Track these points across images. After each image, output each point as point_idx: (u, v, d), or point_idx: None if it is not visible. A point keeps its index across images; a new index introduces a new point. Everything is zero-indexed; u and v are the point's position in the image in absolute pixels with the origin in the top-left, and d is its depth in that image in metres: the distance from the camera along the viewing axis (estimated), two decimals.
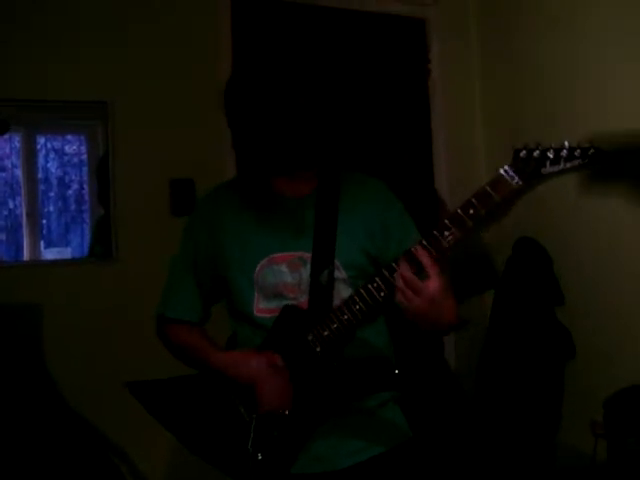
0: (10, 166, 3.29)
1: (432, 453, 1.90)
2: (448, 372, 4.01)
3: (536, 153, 1.47)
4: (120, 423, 3.02)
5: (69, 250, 3.41)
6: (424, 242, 1.56)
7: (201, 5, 3.48)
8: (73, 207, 3.42)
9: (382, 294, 1.63)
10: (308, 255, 1.77)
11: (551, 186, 3.49)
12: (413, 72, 4.11)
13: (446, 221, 1.55)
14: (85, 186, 3.44)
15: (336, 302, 1.74)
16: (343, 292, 1.75)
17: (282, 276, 1.77)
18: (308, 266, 1.76)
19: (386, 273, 1.61)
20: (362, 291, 1.65)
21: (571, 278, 3.48)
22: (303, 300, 1.76)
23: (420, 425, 2.06)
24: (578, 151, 1.45)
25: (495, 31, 4.05)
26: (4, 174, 3.28)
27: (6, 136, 3.19)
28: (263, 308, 1.79)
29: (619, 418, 2.88)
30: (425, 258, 1.52)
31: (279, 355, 1.73)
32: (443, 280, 1.54)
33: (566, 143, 1.46)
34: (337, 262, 1.77)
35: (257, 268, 1.78)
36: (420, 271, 1.54)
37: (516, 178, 1.49)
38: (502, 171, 1.50)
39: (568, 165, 1.46)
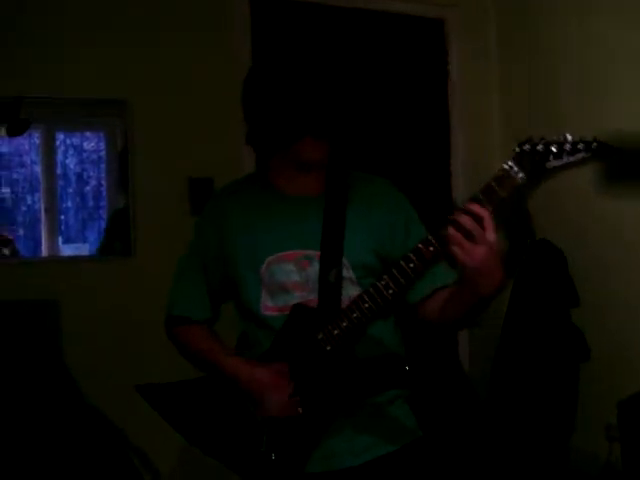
0: (29, 162, 3.33)
1: (442, 453, 1.90)
2: (461, 372, 4.01)
3: (539, 147, 1.47)
4: (136, 418, 3.02)
5: (87, 246, 3.44)
6: (431, 238, 1.56)
7: (220, 5, 3.50)
8: (91, 203, 3.44)
9: (391, 292, 1.62)
10: (315, 253, 1.77)
11: (566, 188, 3.50)
12: (432, 73, 4.11)
13: (451, 218, 1.54)
14: (103, 182, 3.46)
15: (344, 301, 1.74)
16: (351, 291, 1.75)
17: (289, 274, 1.77)
18: (315, 264, 1.76)
19: (394, 270, 1.61)
20: (371, 289, 1.65)
21: (586, 280, 3.47)
22: (310, 298, 1.76)
23: (431, 424, 2.06)
24: (581, 144, 1.44)
25: (514, 31, 4.04)
26: (23, 170, 3.31)
27: (25, 132, 3.22)
28: (270, 306, 1.79)
29: (634, 421, 2.88)
30: (482, 211, 1.50)
31: (286, 364, 1.73)
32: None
33: (569, 137, 1.45)
34: (345, 261, 1.77)
35: (264, 265, 1.78)
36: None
37: (520, 173, 1.48)
38: (506, 166, 1.50)
39: (572, 159, 1.45)
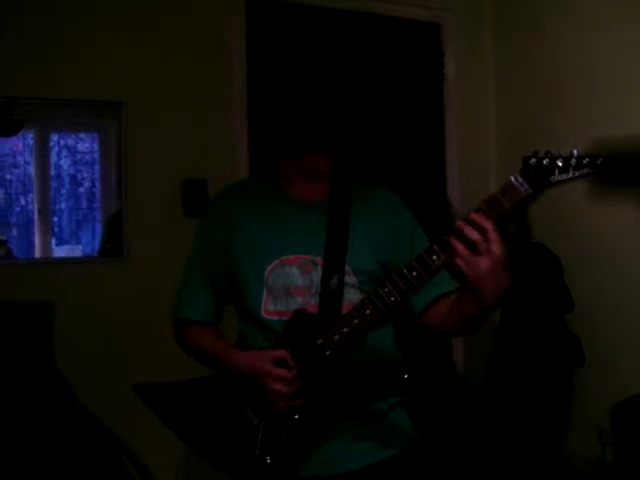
0: (23, 163, 3.31)
1: (439, 459, 1.90)
2: (456, 378, 4.01)
3: (545, 161, 1.47)
4: (129, 421, 3.03)
5: (80, 248, 3.43)
6: (435, 247, 1.56)
7: (215, 6, 3.49)
8: (84, 205, 3.43)
9: (392, 299, 1.62)
10: (319, 258, 1.78)
11: (562, 192, 3.47)
12: (428, 76, 4.10)
13: (455, 227, 1.54)
14: (97, 184, 3.45)
15: (345, 307, 1.75)
16: (353, 297, 1.76)
17: (293, 278, 1.79)
18: (319, 269, 1.78)
19: (397, 278, 1.61)
20: (373, 296, 1.65)
21: (581, 285, 3.47)
22: (312, 303, 1.77)
23: (428, 430, 2.06)
24: (587, 160, 1.44)
25: (510, 34, 4.04)
26: (17, 171, 3.30)
27: (19, 133, 3.21)
28: (271, 310, 1.80)
29: (627, 426, 2.88)
30: (486, 223, 1.49)
31: (287, 351, 1.73)
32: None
33: (575, 152, 1.45)
34: (348, 267, 1.78)
35: (268, 268, 1.79)
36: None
37: (525, 185, 1.48)
38: (512, 178, 1.50)
39: (577, 174, 1.45)
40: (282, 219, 1.83)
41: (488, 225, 1.48)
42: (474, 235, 1.48)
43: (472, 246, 1.49)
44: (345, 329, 1.68)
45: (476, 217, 1.49)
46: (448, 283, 1.81)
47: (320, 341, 1.71)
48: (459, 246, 1.50)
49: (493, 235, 1.48)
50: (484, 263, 1.49)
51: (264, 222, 1.84)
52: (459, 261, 1.51)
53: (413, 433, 1.88)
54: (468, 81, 4.13)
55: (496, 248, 1.48)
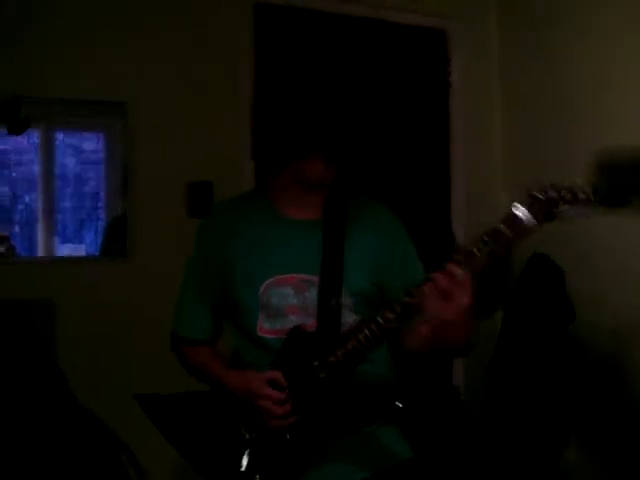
0: (28, 161, 3.31)
1: (435, 472, 1.90)
2: (455, 389, 4.00)
3: (551, 193, 1.47)
4: (129, 421, 3.01)
5: (83, 247, 3.43)
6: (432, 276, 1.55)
7: (223, 10, 3.49)
8: (88, 204, 3.43)
9: (391, 325, 1.62)
10: (314, 278, 1.79)
11: None
12: (434, 83, 4.10)
13: (456, 256, 1.53)
14: (101, 183, 3.46)
15: (341, 327, 1.76)
16: (348, 317, 1.78)
17: (287, 297, 1.79)
18: (313, 289, 1.78)
19: (396, 306, 1.61)
20: (370, 321, 1.65)
21: (583, 295, 3.47)
22: (308, 323, 1.78)
23: (426, 443, 2.05)
24: (594, 192, 1.45)
25: (516, 42, 4.04)
26: (22, 169, 3.31)
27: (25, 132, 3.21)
28: (266, 328, 1.81)
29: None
30: (459, 271, 1.49)
31: (280, 372, 1.73)
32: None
33: (582, 186, 1.45)
34: (343, 288, 1.79)
35: (262, 287, 1.80)
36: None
37: (530, 217, 1.48)
38: (516, 210, 1.49)
39: (582, 207, 1.46)
40: (276, 238, 1.84)
41: (459, 272, 1.49)
42: (445, 283, 1.49)
43: (443, 293, 1.50)
44: (340, 352, 1.68)
45: (451, 267, 1.49)
46: None
47: (316, 363, 1.71)
48: (430, 291, 1.51)
49: (465, 282, 1.49)
50: (448, 309, 1.49)
51: (258, 241, 1.84)
52: (428, 303, 1.51)
53: (405, 449, 1.86)
54: (474, 88, 4.12)
55: (464, 299, 1.49)
